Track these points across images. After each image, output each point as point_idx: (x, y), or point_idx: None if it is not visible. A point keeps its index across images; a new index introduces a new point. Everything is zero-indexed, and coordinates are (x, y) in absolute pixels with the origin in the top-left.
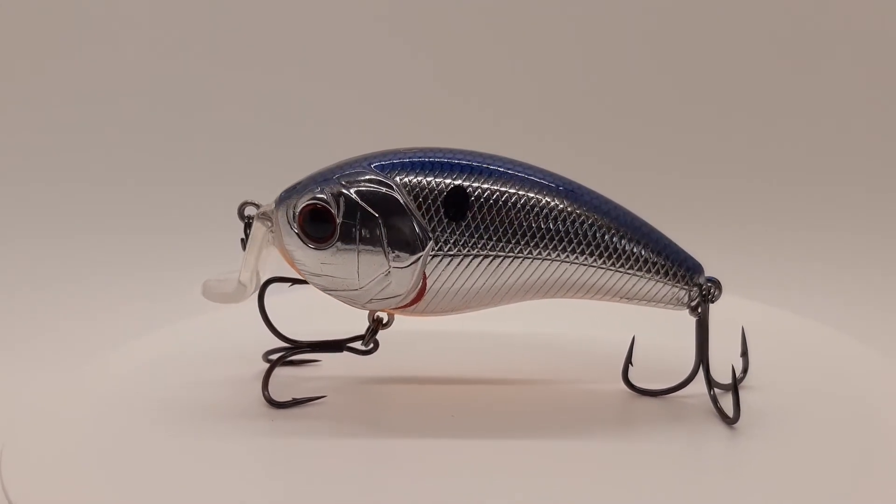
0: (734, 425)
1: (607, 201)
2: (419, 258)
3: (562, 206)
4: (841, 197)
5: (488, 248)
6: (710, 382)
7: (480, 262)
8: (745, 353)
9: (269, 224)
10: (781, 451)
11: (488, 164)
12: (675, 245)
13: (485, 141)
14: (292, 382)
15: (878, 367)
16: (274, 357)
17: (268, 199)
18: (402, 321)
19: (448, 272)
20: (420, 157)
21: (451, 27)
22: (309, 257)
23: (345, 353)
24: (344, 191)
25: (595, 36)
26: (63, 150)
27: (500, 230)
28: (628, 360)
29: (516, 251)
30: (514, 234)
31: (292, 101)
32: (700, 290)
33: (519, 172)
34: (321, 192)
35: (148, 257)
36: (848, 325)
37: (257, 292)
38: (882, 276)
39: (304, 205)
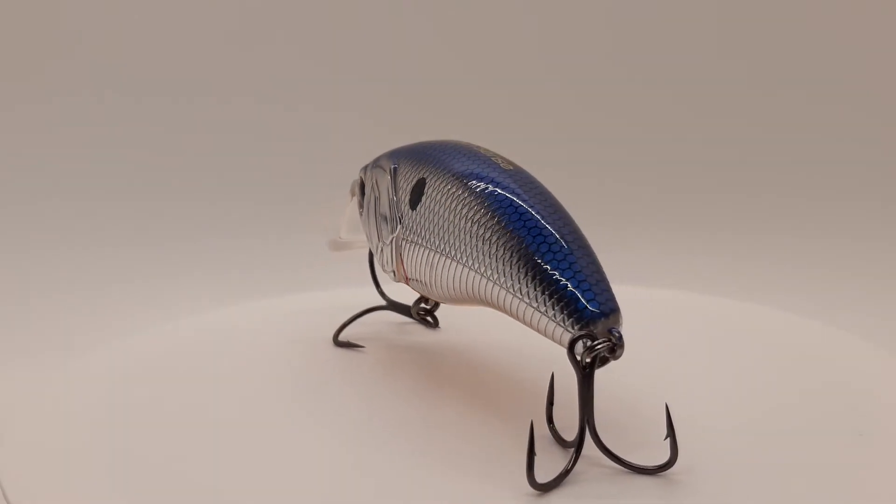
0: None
1: (543, 214)
2: (392, 239)
3: (482, 214)
4: (832, 199)
5: (426, 241)
6: (579, 448)
7: (424, 254)
8: (669, 436)
9: None
10: None
11: (462, 163)
12: (590, 276)
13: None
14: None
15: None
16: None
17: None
18: None
19: (411, 256)
20: (424, 150)
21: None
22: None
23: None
24: (369, 171)
25: (606, 35)
26: (53, 151)
27: (435, 227)
28: (550, 401)
29: (440, 248)
30: (442, 233)
31: (327, 99)
32: (585, 339)
33: (482, 175)
34: (365, 170)
35: (146, 253)
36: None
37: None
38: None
39: (358, 178)
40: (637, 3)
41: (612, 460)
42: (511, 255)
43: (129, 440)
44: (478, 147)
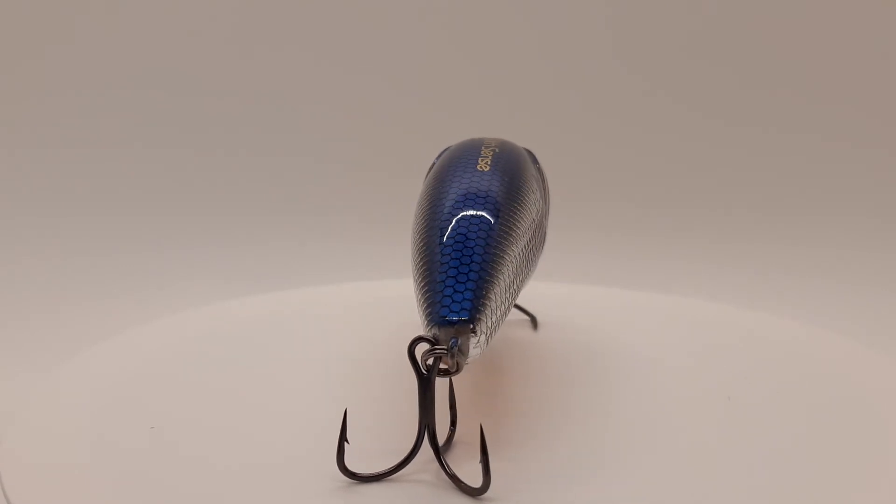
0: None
1: (475, 217)
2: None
3: (422, 210)
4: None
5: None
6: (412, 452)
7: None
8: (483, 461)
9: None
10: None
11: (447, 159)
12: (461, 283)
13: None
14: None
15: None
16: None
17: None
18: None
19: None
20: (460, 144)
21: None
22: None
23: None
24: None
25: (604, 38)
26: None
27: (420, 211)
28: (451, 405)
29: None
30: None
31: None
32: (426, 341)
33: (446, 172)
34: None
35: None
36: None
37: None
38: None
39: None
40: (645, 4)
41: (444, 471)
42: (417, 252)
43: (130, 439)
44: (482, 142)
